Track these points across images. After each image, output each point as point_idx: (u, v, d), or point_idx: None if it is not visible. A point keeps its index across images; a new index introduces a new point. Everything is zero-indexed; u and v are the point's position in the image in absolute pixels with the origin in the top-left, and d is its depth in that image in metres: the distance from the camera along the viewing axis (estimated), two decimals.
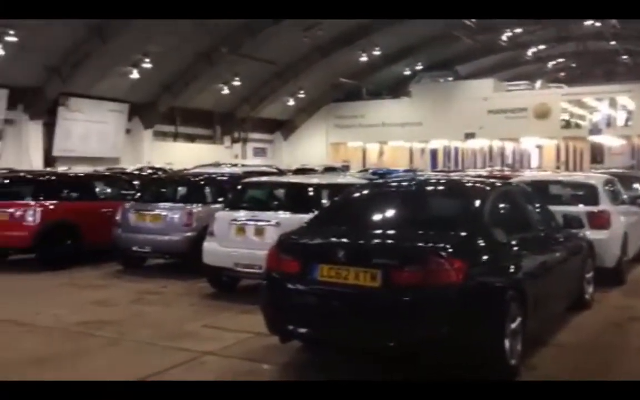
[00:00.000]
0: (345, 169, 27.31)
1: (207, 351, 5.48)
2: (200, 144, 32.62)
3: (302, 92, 33.46)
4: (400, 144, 35.54)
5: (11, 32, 20.39)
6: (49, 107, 25.21)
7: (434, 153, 35.53)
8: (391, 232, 5.28)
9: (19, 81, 23.54)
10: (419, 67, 34.94)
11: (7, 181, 10.53)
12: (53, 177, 10.88)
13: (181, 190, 10.27)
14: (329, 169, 22.43)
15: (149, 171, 18.15)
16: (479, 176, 14.16)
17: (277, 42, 26.34)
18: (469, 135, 32.64)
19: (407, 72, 35.11)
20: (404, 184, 6.84)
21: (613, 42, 32.46)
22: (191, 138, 32.58)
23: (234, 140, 34.25)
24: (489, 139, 33.71)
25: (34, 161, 24.12)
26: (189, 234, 8.83)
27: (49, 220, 9.38)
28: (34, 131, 25.10)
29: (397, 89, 36.34)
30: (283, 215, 7.59)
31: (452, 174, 17.92)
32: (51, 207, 9.55)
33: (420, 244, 4.79)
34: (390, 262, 4.68)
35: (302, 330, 5.05)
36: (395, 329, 4.57)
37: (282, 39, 26.20)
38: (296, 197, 7.98)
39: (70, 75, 24.08)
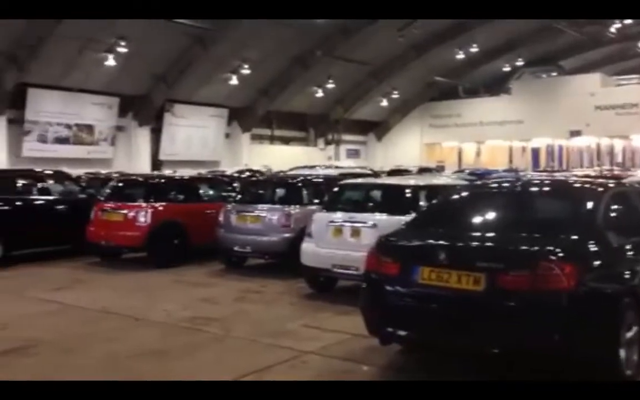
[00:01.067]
0: (440, 169, 26.80)
1: (308, 350, 5.59)
2: (294, 146, 33.26)
3: (396, 92, 33.21)
4: (498, 143, 34.33)
5: (122, 43, 21.85)
6: (155, 113, 26.75)
7: (535, 152, 33.96)
8: (495, 234, 5.12)
9: (129, 90, 25.17)
10: (519, 63, 33.57)
11: (120, 184, 11.29)
12: (162, 180, 11.52)
13: (279, 191, 10.51)
14: (424, 170, 22.10)
15: (247, 173, 18.76)
16: (587, 176, 13.39)
17: (371, 42, 26.35)
18: (575, 133, 30.90)
19: (507, 69, 33.84)
20: (508, 184, 6.61)
21: None
22: (286, 140, 33.31)
23: (328, 142, 34.61)
24: (596, 137, 31.75)
25: (142, 165, 25.69)
26: (287, 235, 9.04)
27: (159, 221, 9.95)
28: (142, 136, 26.72)
29: (495, 86, 35.13)
30: (380, 216, 7.59)
31: (556, 173, 17.06)
32: (161, 208, 10.13)
33: (527, 248, 4.61)
34: (496, 265, 4.55)
35: (402, 332, 5.02)
36: (499, 335, 4.44)
37: (377, 39, 26.16)
38: (393, 199, 7.95)
39: (174, 82, 25.41)
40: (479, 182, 9.07)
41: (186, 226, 10.15)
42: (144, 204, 10.06)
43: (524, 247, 4.63)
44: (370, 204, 8.39)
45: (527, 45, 31.29)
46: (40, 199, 10.75)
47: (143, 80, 24.97)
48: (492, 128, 33.02)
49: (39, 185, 10.95)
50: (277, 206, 9.67)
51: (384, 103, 33.99)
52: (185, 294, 8.04)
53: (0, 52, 20.34)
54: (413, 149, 35.15)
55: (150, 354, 5.52)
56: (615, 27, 28.97)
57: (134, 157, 26.07)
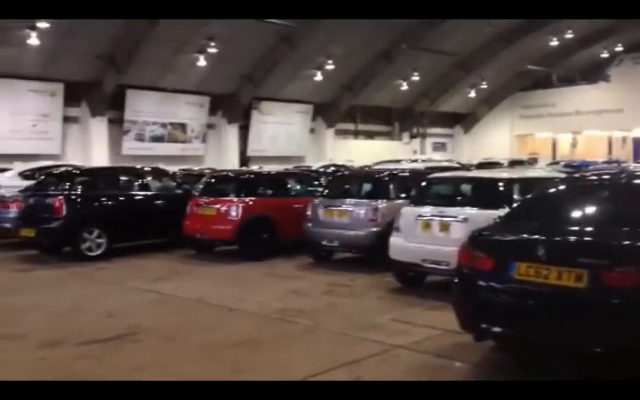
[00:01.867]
0: (532, 162, 25.73)
1: (398, 345, 5.57)
2: (378, 140, 33.12)
3: (484, 83, 32.25)
4: (596, 134, 32.48)
5: (212, 44, 22.65)
6: (243, 111, 27.54)
7: (638, 142, 31.84)
8: (597, 229, 4.85)
9: (218, 89, 26.07)
10: (618, 49, 31.56)
11: (213, 180, 11.73)
12: (251, 176, 11.85)
13: (366, 186, 10.52)
14: (515, 163, 21.29)
15: (332, 168, 18.89)
16: None
17: (457, 33, 25.72)
18: None
19: (605, 55, 31.91)
20: (610, 176, 6.24)
21: None
22: (370, 135, 33.23)
23: (413, 136, 34.19)
24: None
25: (231, 161, 26.54)
26: (374, 229, 9.04)
27: (249, 215, 10.26)
28: (231, 134, 27.60)
29: (592, 73, 33.22)
30: (471, 210, 7.41)
31: None
32: (250, 203, 10.43)
33: (633, 242, 4.35)
34: (599, 261, 4.32)
35: (497, 329, 4.88)
36: (602, 333, 4.23)
37: (463, 29, 25.50)
38: (485, 193, 7.73)
39: (261, 81, 26.05)
40: (576, 175, 8.63)
41: (275, 220, 10.39)
42: (235, 199, 10.39)
43: (629, 242, 4.37)
44: (461, 198, 8.21)
45: (627, 30, 29.29)
46: (140, 195, 11.37)
47: (232, 80, 25.78)
48: (589, 118, 31.30)
49: (139, 181, 11.59)
50: (364, 200, 9.68)
51: (472, 94, 33.11)
52: (276, 286, 8.23)
53: (101, 57, 21.70)
54: (503, 141, 34.00)
55: (244, 343, 5.70)
56: None
57: (223, 154, 27.00)
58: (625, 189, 5.51)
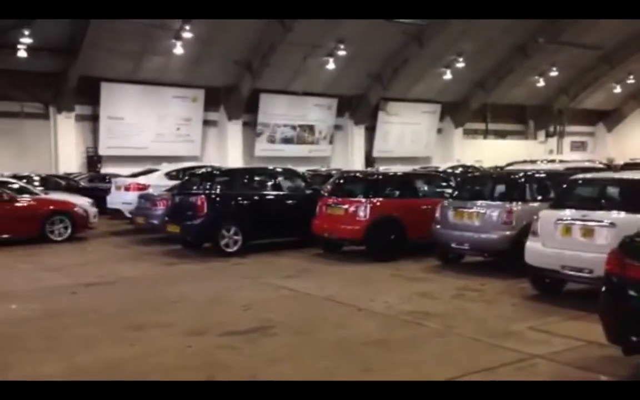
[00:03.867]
0: None
1: (536, 354, 5.28)
2: (511, 139, 31.73)
3: (631, 77, 29.67)
4: None
5: (341, 46, 23.04)
6: (370, 112, 27.70)
7: None
8: None
9: (346, 90, 26.47)
10: None
11: (341, 180, 11.90)
12: (379, 176, 11.88)
13: (499, 187, 10.11)
14: None
15: (460, 169, 18.39)
16: None
17: (603, 24, 23.92)
18: None
19: None
20: None
21: None
22: (502, 134, 31.94)
23: (549, 135, 32.35)
24: None
25: (357, 162, 26.82)
26: (508, 232, 8.67)
27: (377, 216, 10.28)
28: (358, 134, 27.91)
29: None
30: (618, 215, 6.84)
31: None
32: (378, 203, 10.45)
33: None
34: None
35: None
36: None
37: (608, 22, 23.62)
38: (635, 196, 7.11)
39: (389, 81, 26.05)
40: None
41: (403, 221, 10.32)
42: (363, 199, 10.47)
43: None
44: (606, 201, 7.61)
45: None
46: (273, 194, 11.85)
47: (360, 81, 26.05)
48: None
49: (272, 181, 12.07)
50: (497, 202, 9.32)
51: (617, 90, 30.63)
52: (404, 288, 8.18)
53: (239, 62, 22.95)
54: None
55: (374, 343, 5.73)
56: None
57: (349, 155, 27.39)
58: None
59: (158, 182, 14.28)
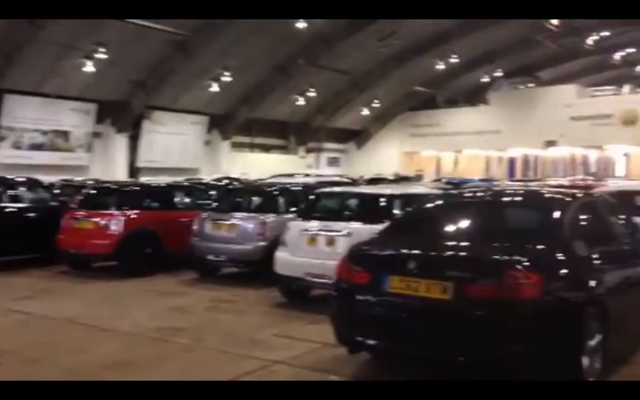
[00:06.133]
0: (418, 178, 26.94)
1: (277, 360, 5.53)
2: (275, 154, 33.23)
3: (376, 101, 33.38)
4: (476, 153, 34.67)
5: (102, 49, 21.64)
6: (134, 120, 26.51)
7: (512, 162, 34.38)
8: (464, 244, 5.15)
9: (107, 96, 24.93)
10: (498, 74, 33.99)
11: (93, 192, 11.12)
12: (135, 188, 11.38)
13: (255, 200, 10.47)
14: (401, 179, 22.22)
15: (225, 181, 18.65)
16: (560, 186, 13.55)
17: (352, 52, 26.49)
18: (550, 143, 31.35)
19: (485, 79, 34.24)
20: (479, 194, 6.64)
21: None
22: (266, 148, 33.26)
23: (308, 150, 34.64)
24: (571, 147, 32.23)
25: (119, 172, 25.42)
26: (262, 243, 8.98)
27: (131, 229, 9.81)
28: (120, 143, 26.45)
29: (473, 96, 35.51)
30: (354, 225, 7.57)
31: (531, 183, 17.24)
32: (133, 216, 9.99)
33: (495, 257, 4.63)
34: (463, 274, 4.56)
35: (371, 341, 5.01)
36: (466, 343, 4.44)
37: (358, 49, 26.33)
38: (368, 208, 7.96)
39: (154, 89, 25.25)
40: (453, 191, 9.11)
41: (159, 234, 10.02)
42: (115, 212, 9.91)
43: (491, 257, 4.64)
44: (346, 213, 8.37)
45: (506, 57, 31.70)
46: (10, 207, 10.52)
47: (122, 87, 24.74)
48: (470, 138, 33.34)
49: (10, 192, 10.72)
50: (253, 214, 9.61)
51: (365, 112, 34.14)
52: (156, 303, 7.92)
53: None
54: (393, 158, 35.30)
55: (115, 365, 5.41)
56: (592, 38, 29.51)
57: (110, 164, 25.78)
58: (492, 206, 5.89)
59: None
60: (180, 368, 5.40)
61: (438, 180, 22.54)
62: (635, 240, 5.91)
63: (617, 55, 33.05)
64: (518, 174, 32.37)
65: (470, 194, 6.74)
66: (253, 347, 5.94)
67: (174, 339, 6.26)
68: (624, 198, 7.81)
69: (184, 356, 5.76)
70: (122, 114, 25.99)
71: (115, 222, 9.75)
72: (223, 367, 5.38)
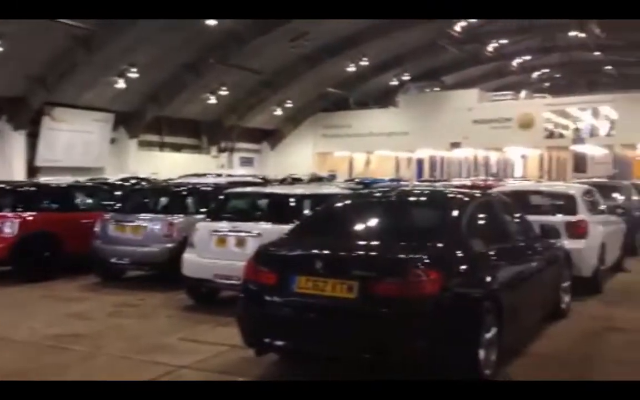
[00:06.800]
0: (331, 178, 27.33)
1: (183, 365, 5.40)
2: (186, 153, 32.50)
3: (289, 101, 33.49)
4: (386, 154, 35.67)
5: None
6: (32, 117, 24.98)
7: (420, 163, 35.70)
8: (370, 243, 5.27)
9: (2, 91, 23.33)
10: (406, 77, 35.13)
11: None
12: (31, 188, 10.72)
13: (163, 200, 10.18)
14: (315, 179, 22.46)
15: (132, 181, 18.00)
16: (463, 186, 14.22)
17: (264, 52, 26.39)
18: (455, 145, 32.83)
19: (395, 82, 35.28)
20: (385, 194, 6.82)
21: (597, 53, 32.84)
22: (177, 147, 32.45)
23: (221, 150, 34.16)
24: (474, 149, 33.93)
25: (17, 172, 23.86)
26: (169, 245, 8.74)
27: (28, 232, 9.23)
28: (17, 142, 24.84)
29: (384, 99, 36.49)
30: (265, 225, 7.53)
31: (437, 183, 17.98)
32: (29, 218, 9.41)
33: (397, 255, 4.76)
34: (367, 273, 4.66)
35: (279, 342, 5.00)
36: (371, 340, 4.53)
37: (270, 49, 26.26)
38: (278, 208, 7.94)
39: (55, 85, 23.91)
40: (360, 191, 9.30)
41: (59, 237, 9.49)
42: (9, 214, 9.28)
43: (393, 255, 4.78)
44: (256, 213, 8.33)
45: (413, 61, 32.84)
46: None
47: (18, 82, 23.24)
48: (381, 139, 34.25)
49: None
50: (160, 216, 9.34)
51: (278, 112, 34.14)
52: (55, 310, 7.50)
53: None
54: (306, 158, 35.59)
55: (8, 376, 5.05)
56: (492, 45, 31.21)
57: (6, 164, 24.15)
58: (396, 205, 6.07)
59: None
60: (80, 377, 5.13)
61: (351, 180, 22.98)
62: (528, 237, 6.30)
63: (515, 62, 35.15)
64: (426, 174, 33.66)
65: (377, 194, 6.91)
66: (157, 353, 5.77)
67: (74, 346, 5.95)
68: (518, 197, 8.29)
69: (84, 364, 5.49)
70: (19, 110, 24.43)
71: (9, 225, 9.13)
72: (125, 375, 5.18)
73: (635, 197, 12.92)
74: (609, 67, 35.79)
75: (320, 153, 36.85)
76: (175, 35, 22.21)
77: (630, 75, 35.59)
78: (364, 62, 30.06)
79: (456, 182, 18.81)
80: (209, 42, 24.82)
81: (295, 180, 20.66)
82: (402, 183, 19.37)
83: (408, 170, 34.80)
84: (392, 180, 23.55)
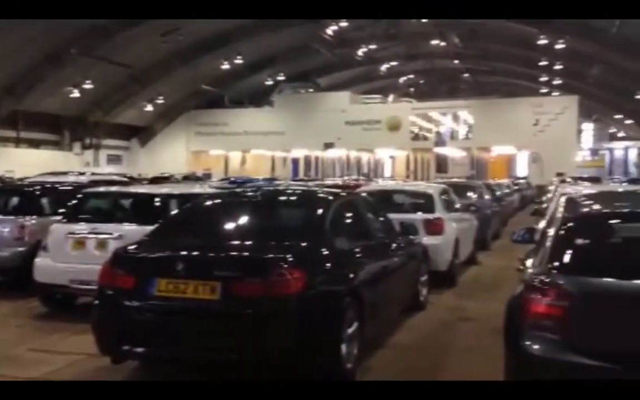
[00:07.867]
0: (207, 177, 26.84)
1: (32, 377, 4.99)
2: (46, 150, 30.28)
3: (161, 97, 32.40)
4: (263, 153, 35.74)
5: None
6: None
7: (295, 162, 36.19)
8: (234, 243, 5.22)
9: None
10: (280, 78, 35.44)
11: None
12: None
13: (14, 201, 9.36)
14: (188, 178, 21.92)
15: None
16: (335, 185, 14.60)
17: (133, 45, 25.31)
18: (328, 145, 33.70)
19: (270, 82, 35.47)
20: (252, 193, 6.80)
21: (456, 61, 35.35)
22: (36, 144, 30.15)
23: (85, 147, 32.23)
24: (346, 149, 35.05)
25: None
26: (20, 249, 8.07)
27: None
28: None
29: (259, 98, 36.53)
30: (128, 227, 7.17)
31: (310, 183, 18.30)
32: None
33: (260, 255, 4.75)
34: (231, 274, 4.60)
35: (139, 349, 4.78)
36: (236, 341, 4.49)
37: (140, 42, 25.23)
38: (142, 208, 7.61)
39: None
40: (229, 191, 9.20)
41: None
42: None
43: (257, 255, 4.76)
44: (118, 214, 7.93)
45: (288, 62, 33.21)
46: None
47: None
48: (257, 138, 34.27)
49: None
50: (10, 217, 8.58)
51: (149, 108, 32.90)
52: None
53: None
54: (180, 156, 34.68)
55: None
56: (362, 50, 32.43)
57: None
58: (265, 205, 6.07)
59: None
60: None
61: (226, 179, 22.71)
62: (389, 234, 6.59)
63: (384, 67, 36.83)
64: (301, 174, 34.20)
65: (245, 194, 6.86)
66: (4, 366, 5.28)
67: None
68: (382, 197, 8.66)
69: None
70: None
71: None
72: None
73: (486, 196, 14.06)
74: (466, 75, 38.70)
75: (195, 151, 36.09)
76: (33, 25, 20.53)
77: (485, 83, 38.78)
78: (239, 61, 29.90)
79: (329, 181, 19.27)
80: (72, 33, 23.29)
81: (164, 180, 19.93)
82: (276, 183, 19.47)
83: (284, 169, 35.12)
84: (266, 179, 23.59)
